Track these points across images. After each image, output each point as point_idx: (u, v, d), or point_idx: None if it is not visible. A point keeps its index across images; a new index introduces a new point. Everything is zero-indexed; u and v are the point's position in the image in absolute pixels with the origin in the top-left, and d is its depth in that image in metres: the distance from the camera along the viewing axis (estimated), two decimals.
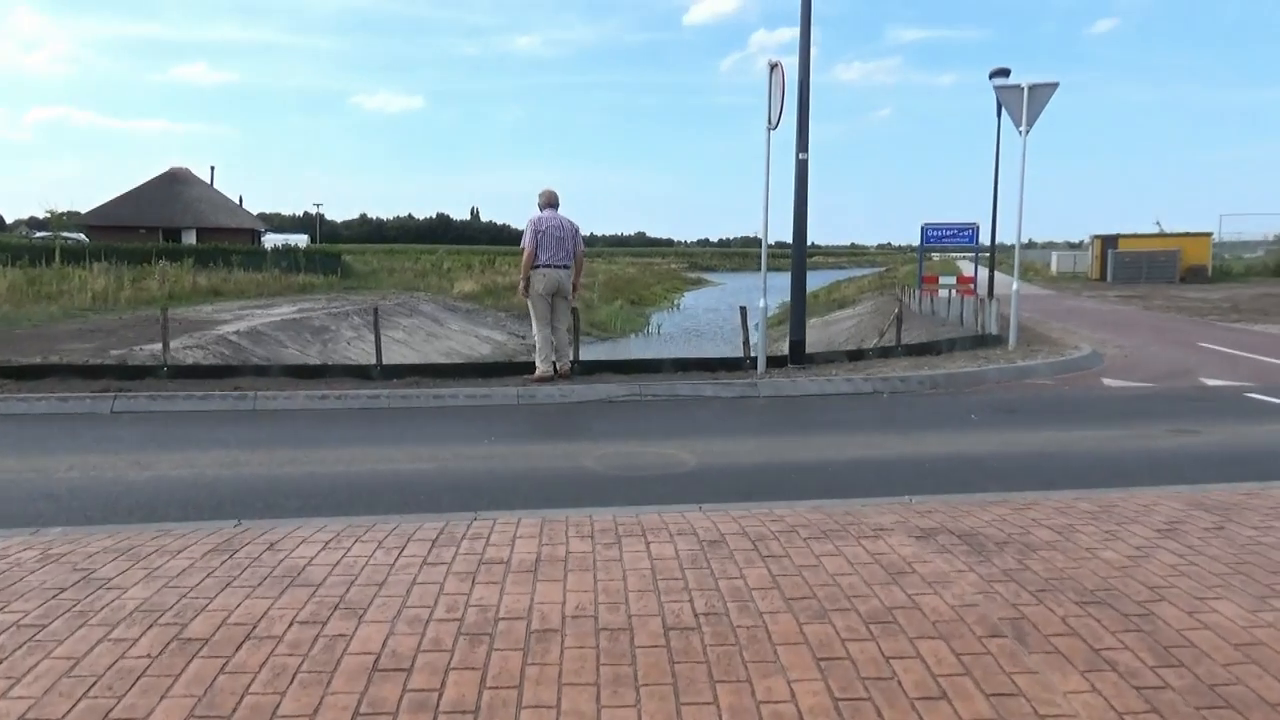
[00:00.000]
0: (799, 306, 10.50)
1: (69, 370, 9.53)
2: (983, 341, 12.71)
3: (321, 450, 6.74)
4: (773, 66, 9.59)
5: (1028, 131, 11.56)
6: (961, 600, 3.39)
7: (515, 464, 6.35)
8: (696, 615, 3.23)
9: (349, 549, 3.99)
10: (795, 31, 10.40)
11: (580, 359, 10.01)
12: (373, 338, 10.16)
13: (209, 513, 5.02)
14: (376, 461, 6.39)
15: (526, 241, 9.34)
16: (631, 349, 27.57)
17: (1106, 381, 10.03)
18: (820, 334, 31.45)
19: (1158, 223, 55.64)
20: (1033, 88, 11.47)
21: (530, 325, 9.58)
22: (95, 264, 31.99)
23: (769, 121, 9.69)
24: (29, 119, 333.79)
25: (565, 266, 9.48)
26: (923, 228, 25.41)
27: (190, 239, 45.43)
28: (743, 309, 10.61)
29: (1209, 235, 44.55)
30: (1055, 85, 11.50)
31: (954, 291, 25.10)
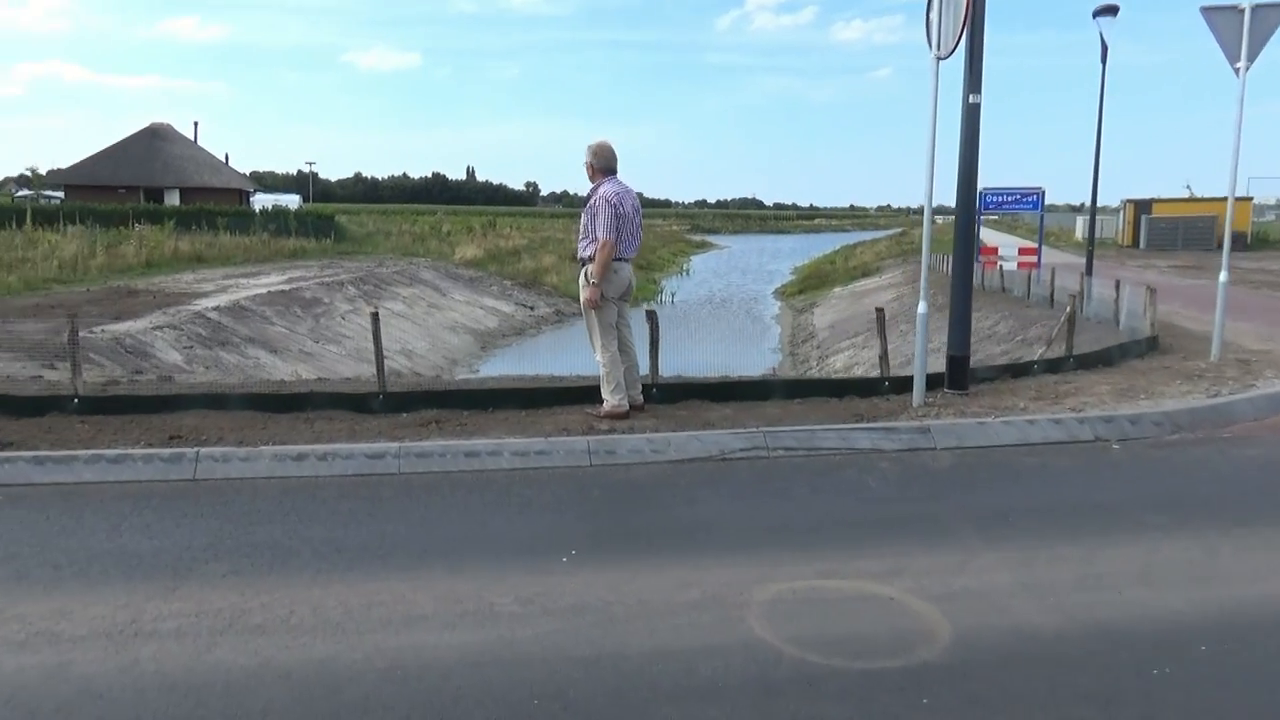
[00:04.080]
0: (962, 304, 7.53)
1: None
2: (1154, 345, 9.89)
3: (292, 590, 3.92)
4: None
5: (1248, 68, 8.65)
6: None
7: (629, 631, 3.55)
8: None
9: None
10: None
11: (657, 379, 7.22)
12: (371, 317, 7.17)
13: None
14: (384, 624, 3.60)
15: (602, 227, 6.39)
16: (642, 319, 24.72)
17: None
18: (853, 306, 28.45)
19: (1188, 187, 52.20)
20: (1257, 8, 8.54)
21: (593, 338, 6.70)
22: (69, 227, 29.02)
23: (936, 49, 6.80)
24: (19, 74, 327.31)
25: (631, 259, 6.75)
26: (981, 192, 22.61)
27: (174, 199, 42.30)
28: (879, 310, 7.78)
29: (1250, 200, 41.29)
30: None
31: (1016, 265, 22.63)
